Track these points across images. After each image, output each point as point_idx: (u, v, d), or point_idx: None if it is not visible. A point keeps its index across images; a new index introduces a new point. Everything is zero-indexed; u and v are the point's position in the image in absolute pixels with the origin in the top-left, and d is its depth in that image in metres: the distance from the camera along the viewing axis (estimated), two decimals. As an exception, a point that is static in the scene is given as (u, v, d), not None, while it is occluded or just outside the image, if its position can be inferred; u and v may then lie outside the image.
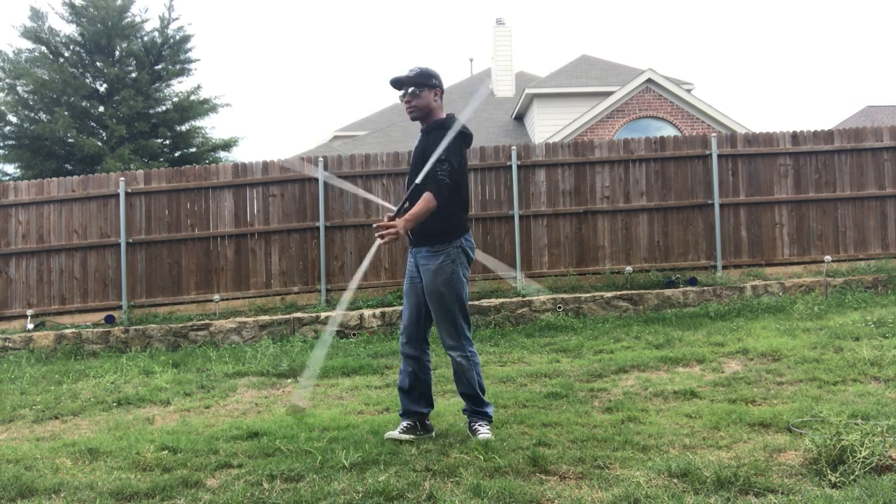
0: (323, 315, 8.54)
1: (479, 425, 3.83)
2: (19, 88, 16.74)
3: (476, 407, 3.91)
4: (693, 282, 8.98)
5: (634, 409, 4.29)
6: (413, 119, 3.95)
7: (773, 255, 9.53)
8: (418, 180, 3.75)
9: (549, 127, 17.35)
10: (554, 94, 17.91)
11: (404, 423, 3.87)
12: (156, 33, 17.88)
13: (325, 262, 9.44)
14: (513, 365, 6.26)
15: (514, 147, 9.62)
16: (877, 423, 3.16)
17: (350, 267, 9.47)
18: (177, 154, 18.31)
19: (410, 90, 3.86)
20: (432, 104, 3.91)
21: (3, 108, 16.57)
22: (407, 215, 3.67)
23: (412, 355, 3.92)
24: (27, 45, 17.10)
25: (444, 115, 3.96)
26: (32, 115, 16.86)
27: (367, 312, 8.55)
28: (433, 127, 3.90)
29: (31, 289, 9.54)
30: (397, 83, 3.90)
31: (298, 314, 8.71)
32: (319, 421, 4.38)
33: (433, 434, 3.90)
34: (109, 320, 9.15)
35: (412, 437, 3.78)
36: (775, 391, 4.64)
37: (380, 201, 4.32)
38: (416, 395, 3.92)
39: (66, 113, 16.12)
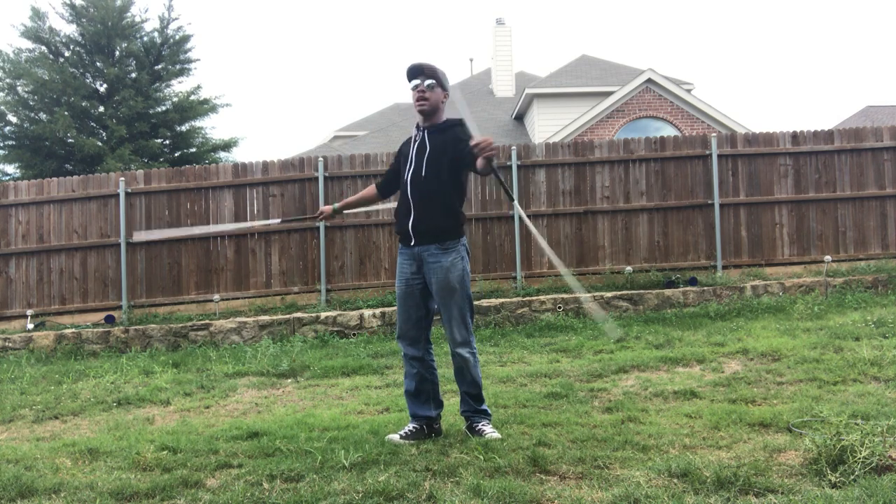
0: (323, 315, 8.54)
1: (483, 425, 3.81)
2: (19, 88, 16.74)
3: (478, 405, 3.88)
4: (693, 282, 8.98)
5: (634, 409, 4.29)
6: (422, 111, 3.83)
7: (773, 255, 9.53)
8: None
9: (549, 127, 17.35)
10: (554, 94, 17.90)
11: (410, 427, 3.82)
12: (155, 33, 17.89)
13: (325, 263, 9.44)
14: (513, 365, 6.26)
15: (514, 147, 9.62)
16: (877, 423, 3.15)
17: (350, 267, 9.48)
18: (177, 154, 18.31)
19: (428, 82, 3.79)
20: (440, 104, 3.87)
21: (3, 108, 16.57)
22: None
23: (416, 356, 3.87)
24: (27, 44, 17.14)
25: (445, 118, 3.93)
26: (32, 115, 16.85)
27: (367, 312, 8.55)
28: (447, 126, 3.86)
29: (31, 289, 9.54)
30: (418, 69, 3.78)
31: (298, 314, 8.71)
32: (319, 421, 4.38)
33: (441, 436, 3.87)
34: (109, 320, 9.15)
35: (416, 441, 3.73)
36: (775, 391, 4.63)
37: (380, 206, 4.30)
38: (424, 398, 3.88)
39: (66, 113, 16.12)
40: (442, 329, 3.99)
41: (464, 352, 3.82)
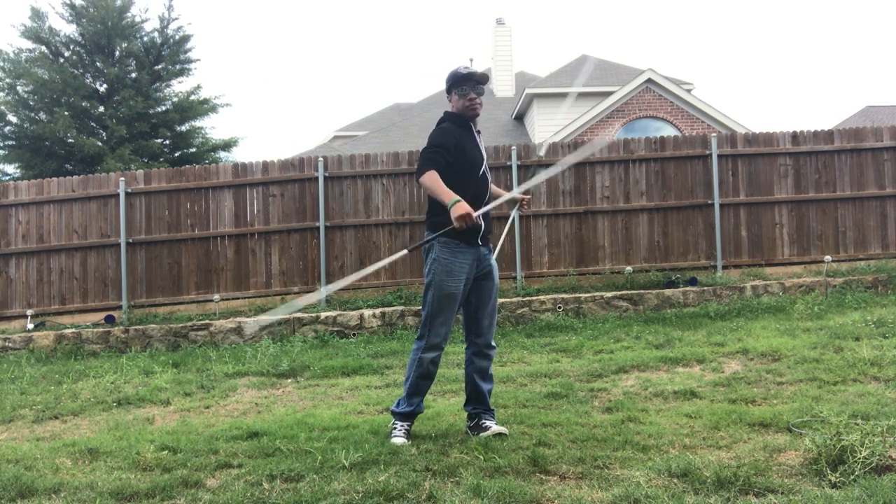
0: (323, 315, 8.54)
1: (491, 421, 3.86)
2: (19, 88, 16.74)
3: (490, 403, 3.95)
4: (693, 282, 8.98)
5: (634, 409, 4.29)
6: (477, 115, 3.92)
7: (773, 255, 9.53)
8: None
9: (549, 127, 17.35)
10: (554, 94, 17.90)
11: (406, 426, 3.83)
12: (155, 33, 17.89)
13: (325, 262, 9.44)
14: (513, 365, 6.26)
15: (514, 147, 9.62)
16: (877, 423, 3.15)
17: (350, 267, 9.47)
18: (177, 154, 18.31)
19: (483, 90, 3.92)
20: None
21: (3, 108, 16.57)
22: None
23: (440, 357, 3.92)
24: (27, 44, 17.14)
25: None
26: (32, 115, 16.85)
27: (367, 312, 8.55)
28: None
29: (31, 289, 9.54)
30: (486, 78, 3.93)
31: (298, 314, 8.70)
32: (319, 421, 4.38)
33: None
34: (109, 320, 9.15)
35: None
36: (775, 391, 4.64)
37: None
38: None
39: (66, 113, 16.12)
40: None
41: (494, 351, 3.98)
